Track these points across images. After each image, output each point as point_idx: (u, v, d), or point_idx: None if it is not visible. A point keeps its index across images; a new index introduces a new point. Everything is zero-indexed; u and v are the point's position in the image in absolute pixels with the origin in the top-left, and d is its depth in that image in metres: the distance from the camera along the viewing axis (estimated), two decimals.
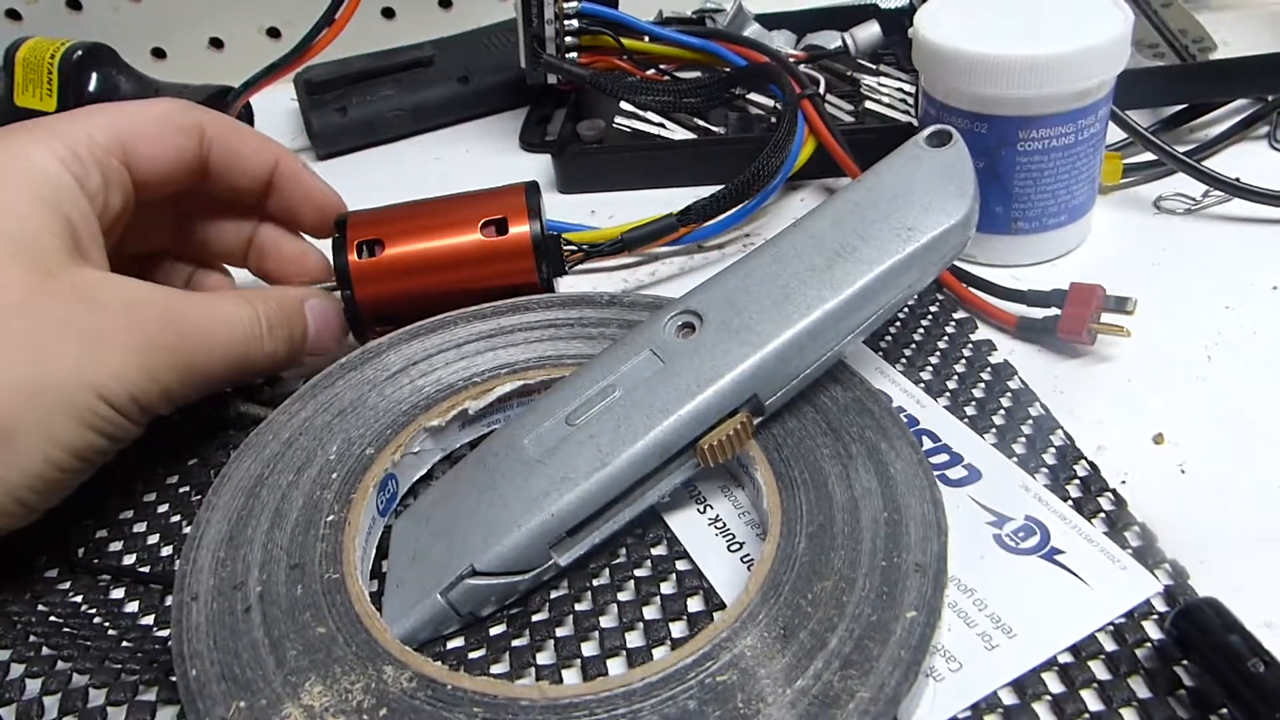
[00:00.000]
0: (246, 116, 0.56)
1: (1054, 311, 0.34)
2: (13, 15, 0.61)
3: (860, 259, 0.28)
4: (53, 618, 0.29)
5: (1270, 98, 0.44)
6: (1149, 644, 0.25)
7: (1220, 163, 0.42)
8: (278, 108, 0.58)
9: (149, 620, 0.29)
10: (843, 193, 0.31)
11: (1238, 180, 0.39)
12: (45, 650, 0.27)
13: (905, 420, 0.31)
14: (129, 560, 0.31)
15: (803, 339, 0.28)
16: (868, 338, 0.32)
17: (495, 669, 0.26)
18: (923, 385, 0.33)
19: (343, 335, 0.36)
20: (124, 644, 0.28)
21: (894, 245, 0.28)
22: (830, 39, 0.52)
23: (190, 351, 0.29)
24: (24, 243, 0.27)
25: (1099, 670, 0.24)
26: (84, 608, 0.29)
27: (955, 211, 0.29)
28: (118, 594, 0.30)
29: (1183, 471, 0.30)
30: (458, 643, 0.27)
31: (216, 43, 0.63)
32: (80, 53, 0.53)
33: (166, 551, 0.31)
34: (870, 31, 0.50)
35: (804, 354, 0.28)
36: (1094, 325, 0.33)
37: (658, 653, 0.26)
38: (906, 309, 0.37)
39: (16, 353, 0.26)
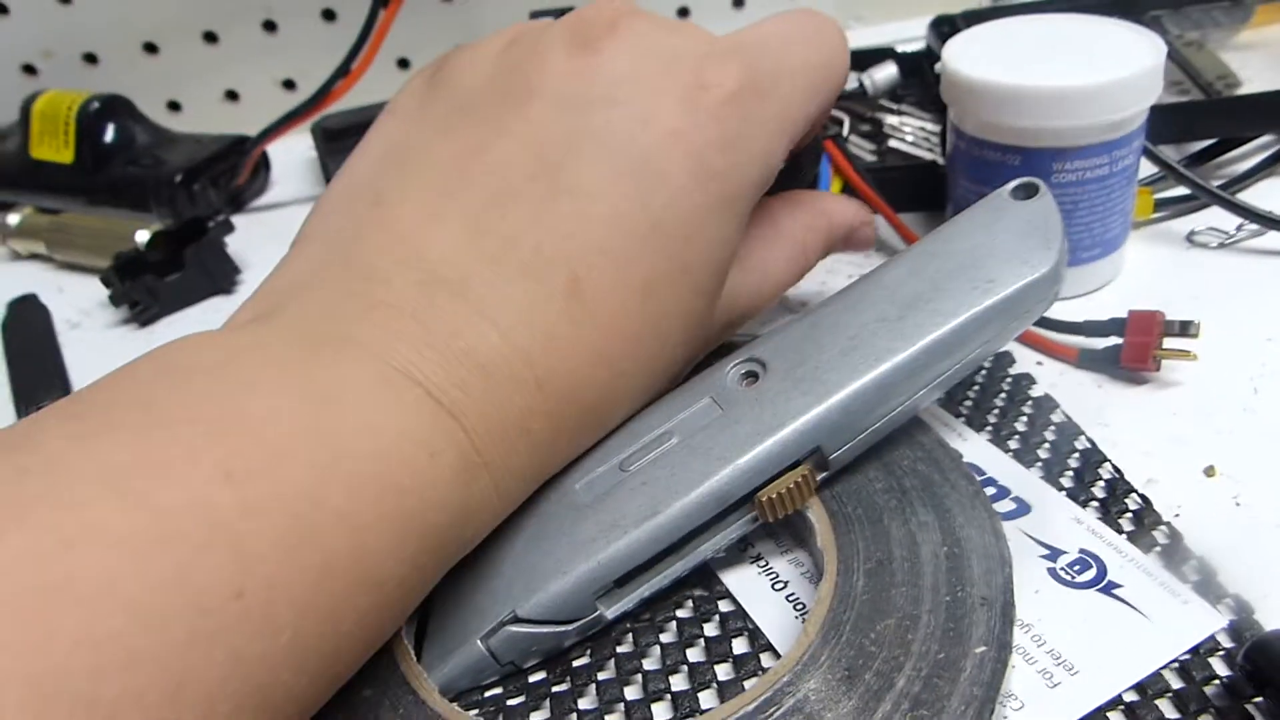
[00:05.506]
0: (263, 165, 0.56)
1: (1114, 341, 0.34)
2: (29, 70, 0.61)
3: (935, 310, 0.27)
4: None
5: None
6: (1218, 681, 0.24)
7: (1252, 196, 0.41)
8: (295, 156, 0.58)
9: None
10: (920, 243, 0.29)
11: (1272, 213, 0.38)
12: None
13: None
14: None
15: (870, 391, 0.26)
16: None
17: (535, 717, 0.25)
18: (963, 419, 0.32)
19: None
20: None
21: (971, 297, 0.27)
22: (848, 81, 0.52)
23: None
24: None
25: (1166, 709, 0.23)
26: None
27: (1040, 264, 0.27)
28: None
29: (1238, 504, 0.29)
30: (496, 691, 0.26)
31: (232, 94, 0.64)
32: (97, 105, 0.53)
33: None
34: (888, 72, 0.50)
35: (872, 408, 0.26)
36: (1158, 352, 0.33)
37: (704, 696, 0.25)
38: None
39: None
